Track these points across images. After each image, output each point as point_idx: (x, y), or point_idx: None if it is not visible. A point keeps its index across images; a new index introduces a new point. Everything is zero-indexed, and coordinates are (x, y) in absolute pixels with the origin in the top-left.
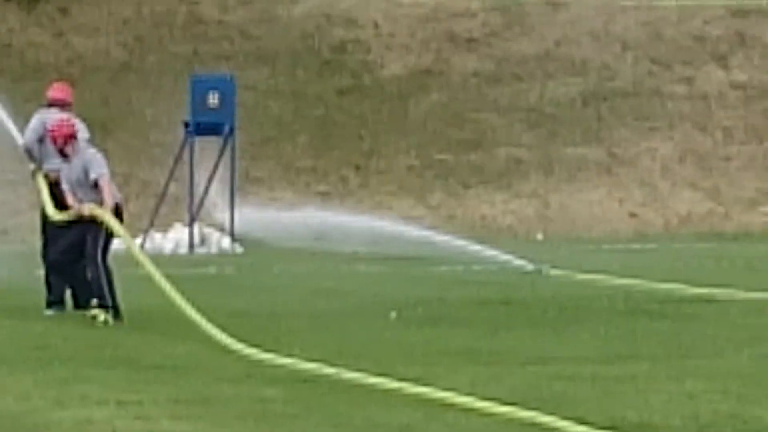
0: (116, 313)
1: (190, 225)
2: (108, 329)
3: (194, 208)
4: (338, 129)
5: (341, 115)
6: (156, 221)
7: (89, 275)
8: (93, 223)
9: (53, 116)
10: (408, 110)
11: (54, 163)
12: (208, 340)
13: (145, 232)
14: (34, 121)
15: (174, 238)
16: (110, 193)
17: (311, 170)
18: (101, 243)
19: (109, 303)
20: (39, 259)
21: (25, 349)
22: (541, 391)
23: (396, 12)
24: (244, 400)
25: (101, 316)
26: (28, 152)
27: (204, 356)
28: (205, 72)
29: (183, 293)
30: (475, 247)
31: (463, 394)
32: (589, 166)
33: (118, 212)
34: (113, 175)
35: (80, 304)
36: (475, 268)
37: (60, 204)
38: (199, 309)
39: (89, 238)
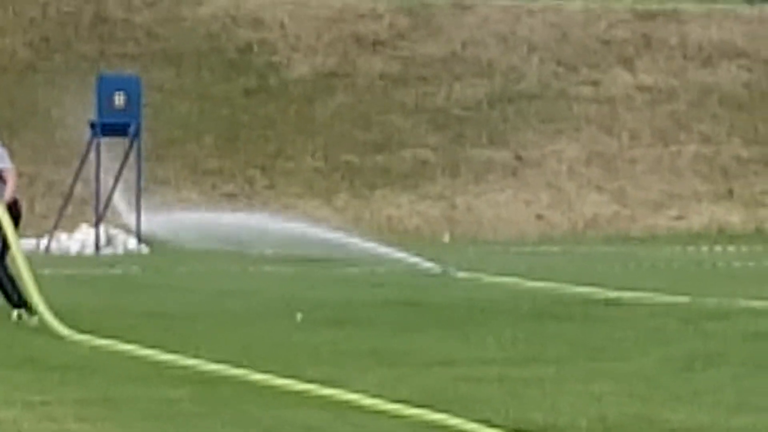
0: (28, 308)
1: (96, 225)
2: (15, 329)
3: (100, 209)
4: (245, 130)
5: (247, 116)
6: (62, 222)
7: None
8: None
9: None
10: (314, 111)
11: None
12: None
13: (51, 232)
14: None
15: (80, 239)
16: (13, 188)
17: (217, 171)
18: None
19: (19, 301)
20: None
21: None
22: (448, 393)
23: (302, 13)
24: (151, 400)
25: (14, 314)
26: None
27: (110, 357)
28: (111, 72)
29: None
30: (383, 249)
31: (371, 396)
32: (495, 168)
33: (14, 207)
34: (20, 174)
35: None
36: (382, 270)
37: None
38: (106, 309)
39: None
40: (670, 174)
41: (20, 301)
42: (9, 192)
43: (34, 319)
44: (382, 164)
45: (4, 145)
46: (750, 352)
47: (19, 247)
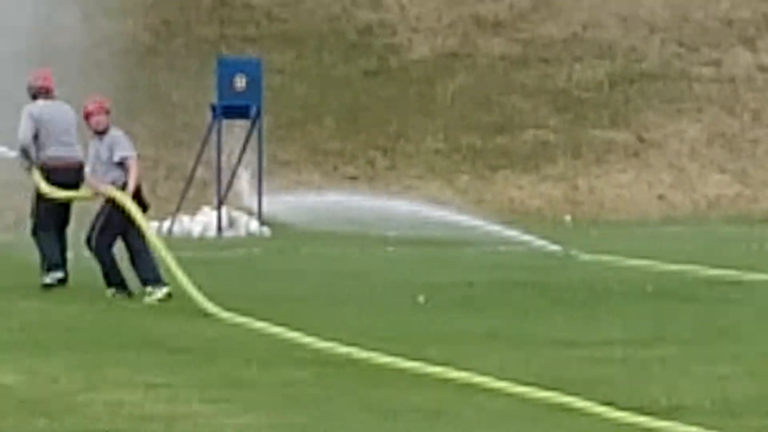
0: (125, 288)
1: (218, 208)
2: (138, 311)
3: (222, 192)
4: (365, 112)
5: (368, 98)
6: (184, 205)
7: (100, 261)
8: (108, 204)
9: (44, 107)
10: (435, 93)
11: (51, 151)
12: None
13: (173, 215)
14: (25, 119)
15: (202, 222)
16: (136, 176)
17: (338, 153)
18: (99, 228)
19: (124, 280)
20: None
21: (56, 331)
22: (571, 374)
23: None
24: (274, 382)
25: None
26: (24, 151)
27: (233, 339)
28: (231, 55)
29: (211, 276)
30: (505, 231)
31: (493, 377)
32: (617, 149)
33: (140, 194)
34: (141, 158)
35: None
36: (504, 251)
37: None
38: (227, 291)
39: (97, 225)
40: None
41: (121, 280)
42: (132, 181)
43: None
44: (504, 145)
45: (127, 132)
46: None
47: (149, 228)
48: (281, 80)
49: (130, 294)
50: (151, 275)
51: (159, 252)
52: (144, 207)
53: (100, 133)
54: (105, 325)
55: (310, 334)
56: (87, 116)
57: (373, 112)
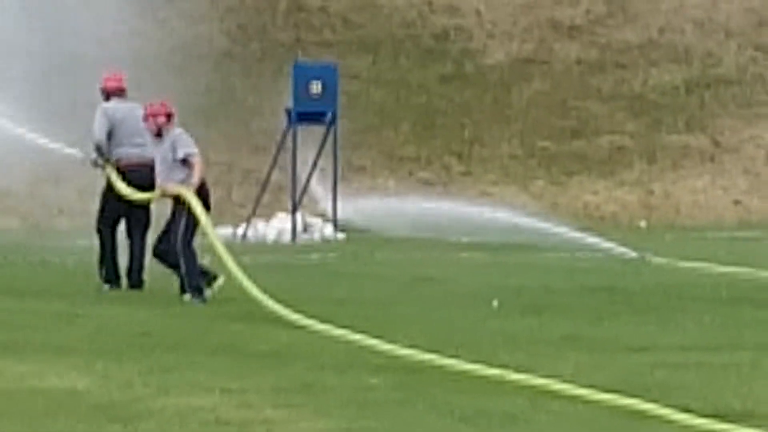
0: (200, 294)
1: (293, 213)
2: (212, 316)
3: (297, 196)
4: (441, 117)
5: (443, 103)
6: (259, 209)
7: (182, 264)
8: (179, 203)
9: (118, 106)
10: (511, 98)
11: (124, 149)
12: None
13: (248, 220)
14: (99, 118)
15: (277, 226)
16: (199, 173)
17: (414, 158)
18: (182, 227)
19: (191, 287)
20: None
21: (129, 336)
22: (645, 379)
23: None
24: (348, 387)
25: (186, 297)
26: (99, 149)
27: (307, 344)
28: (307, 60)
29: (286, 281)
30: (578, 235)
31: (567, 382)
32: (692, 153)
33: (203, 191)
34: (215, 163)
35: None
36: (579, 255)
37: (134, 187)
38: (303, 296)
39: (179, 228)
40: None
41: (197, 283)
42: (196, 177)
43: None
44: (579, 150)
45: (188, 130)
46: None
47: (212, 228)
48: (357, 85)
49: (205, 301)
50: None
51: (220, 253)
52: (207, 206)
53: (159, 135)
54: (178, 330)
55: (384, 340)
56: (146, 118)
57: (448, 117)
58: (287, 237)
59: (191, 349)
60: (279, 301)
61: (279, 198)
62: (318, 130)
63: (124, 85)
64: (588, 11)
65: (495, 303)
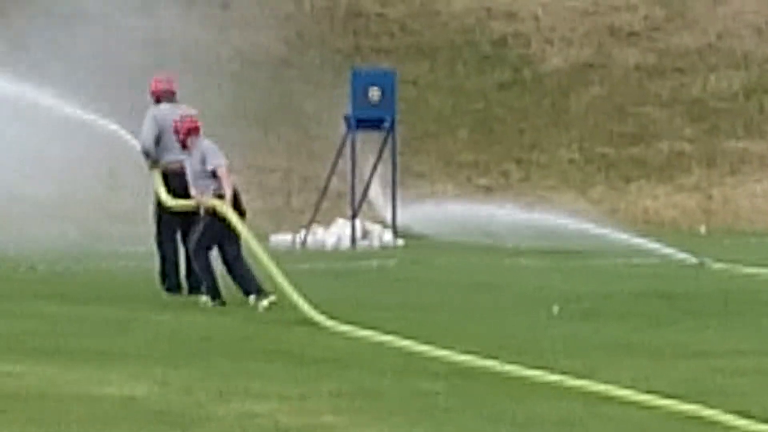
0: (215, 298)
1: (352, 219)
2: (268, 322)
3: (356, 203)
4: (499, 123)
5: (502, 109)
6: (318, 216)
7: (195, 266)
8: (209, 214)
9: (168, 111)
10: (569, 104)
11: (172, 155)
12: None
13: (307, 226)
14: (148, 122)
15: (336, 233)
16: (229, 184)
17: (472, 164)
18: (199, 234)
19: (208, 291)
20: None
21: (188, 342)
22: (704, 385)
23: (556, 6)
24: (405, 393)
25: (203, 299)
26: (146, 153)
27: (364, 350)
28: (365, 66)
29: (345, 287)
30: (637, 240)
31: (624, 387)
32: (751, 158)
33: (236, 201)
34: (274, 170)
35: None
36: (637, 261)
37: (177, 193)
38: (362, 302)
39: (196, 231)
40: None
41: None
42: (228, 189)
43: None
44: (638, 156)
45: (247, 137)
46: None
47: (252, 237)
48: (415, 92)
49: (224, 303)
50: (252, 286)
51: (261, 260)
52: (241, 213)
53: (189, 146)
54: (237, 336)
55: (443, 346)
56: (175, 131)
57: (507, 123)
58: (346, 243)
59: (250, 355)
60: (336, 307)
61: (338, 204)
62: (377, 136)
63: (174, 87)
64: (646, 17)
65: (555, 309)
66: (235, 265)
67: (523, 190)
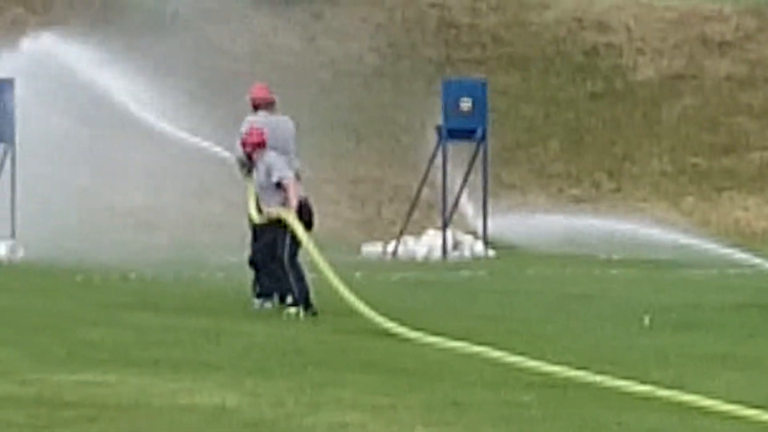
0: (307, 307)
1: (444, 230)
2: (359, 333)
3: (447, 213)
4: (590, 134)
5: (593, 120)
6: (409, 226)
7: (291, 277)
8: (280, 225)
9: (264, 120)
10: (661, 114)
11: None
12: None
13: (399, 237)
14: (245, 129)
15: (427, 243)
16: (295, 194)
17: (564, 175)
18: (287, 244)
19: (300, 300)
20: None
21: (279, 353)
22: None
23: (648, 16)
24: (497, 404)
25: (292, 310)
26: (240, 162)
27: (456, 361)
28: (457, 76)
29: (436, 298)
30: (728, 251)
31: (715, 398)
32: None
33: (303, 211)
34: (364, 180)
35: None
36: (730, 272)
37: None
38: (453, 312)
39: (278, 241)
40: None
41: (305, 299)
42: (293, 200)
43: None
44: (730, 167)
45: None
46: None
47: (315, 249)
48: (507, 102)
49: (315, 313)
50: (294, 296)
51: (324, 271)
52: (310, 224)
53: (255, 159)
54: (328, 346)
55: (534, 357)
56: (243, 144)
57: (598, 134)
58: (437, 254)
59: (341, 366)
60: (427, 317)
61: (429, 215)
62: (468, 146)
63: (272, 96)
64: (737, 27)
65: (646, 320)
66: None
67: (614, 201)
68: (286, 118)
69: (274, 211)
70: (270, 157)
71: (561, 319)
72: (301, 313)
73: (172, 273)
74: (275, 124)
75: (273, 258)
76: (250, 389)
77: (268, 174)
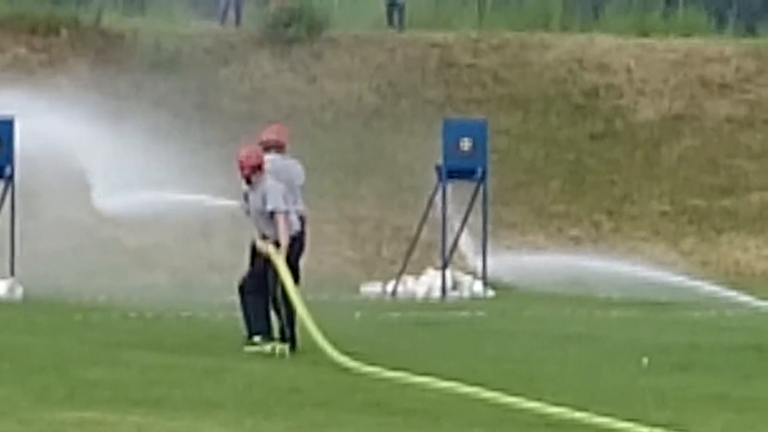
0: (293, 346)
1: (443, 269)
2: (360, 373)
3: (446, 253)
4: (591, 174)
5: (593, 160)
6: (408, 266)
7: (283, 312)
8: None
9: (272, 161)
10: (660, 155)
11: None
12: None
13: (398, 276)
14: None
15: (426, 282)
16: (284, 229)
17: (563, 215)
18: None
19: (287, 335)
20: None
21: (278, 392)
22: None
23: (649, 57)
24: None
25: (276, 347)
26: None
27: (455, 401)
28: (457, 116)
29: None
30: (728, 293)
31: None
32: None
33: (295, 244)
34: (365, 219)
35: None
36: (728, 313)
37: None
38: (450, 352)
39: (269, 273)
40: None
41: (291, 335)
42: (282, 237)
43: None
44: (729, 208)
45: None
46: None
47: (297, 295)
48: (507, 142)
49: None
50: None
51: (301, 315)
52: (293, 268)
53: (252, 182)
54: (327, 386)
55: (532, 398)
56: (241, 167)
57: (598, 174)
58: (436, 294)
59: (340, 406)
60: (425, 358)
61: (428, 254)
62: (467, 186)
63: (284, 139)
64: (738, 69)
65: (645, 361)
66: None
67: (614, 242)
68: (295, 162)
69: (265, 248)
70: (267, 184)
71: (560, 360)
72: (287, 352)
73: (173, 312)
74: (283, 167)
75: (255, 289)
76: (249, 428)
77: (264, 201)
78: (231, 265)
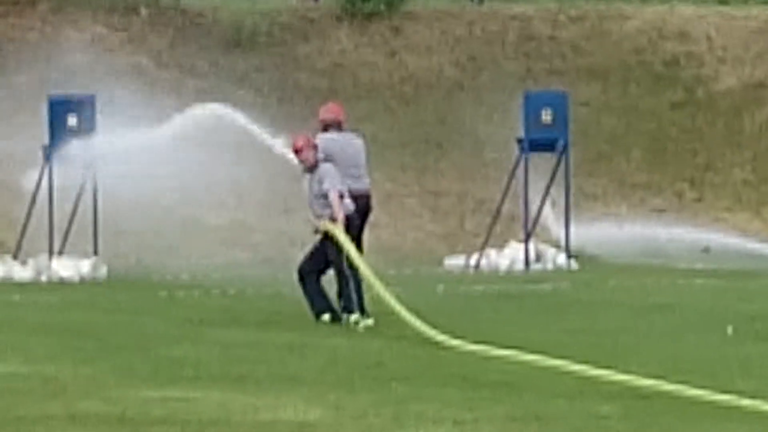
0: (362, 315)
1: (526, 242)
2: (444, 347)
3: (529, 225)
4: (672, 143)
5: (675, 130)
6: (491, 239)
7: (352, 287)
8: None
9: (332, 138)
10: (743, 123)
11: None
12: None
13: (481, 249)
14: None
15: (509, 255)
16: (339, 207)
17: (645, 185)
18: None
19: (355, 308)
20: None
21: (361, 366)
22: None
23: (729, 25)
24: (579, 416)
25: (351, 318)
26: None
27: (538, 373)
28: (537, 89)
29: (518, 310)
30: None
31: None
32: None
33: (351, 225)
34: (447, 193)
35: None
36: None
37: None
38: (535, 324)
39: (329, 250)
40: None
41: (360, 307)
42: (338, 213)
43: (368, 322)
44: None
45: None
46: None
47: (363, 262)
48: (588, 113)
49: (339, 319)
50: (351, 304)
51: (372, 284)
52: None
53: (311, 168)
54: (410, 360)
55: (618, 369)
56: (296, 152)
57: (680, 143)
58: (520, 266)
59: (424, 380)
60: (509, 330)
61: (511, 227)
62: (549, 158)
63: (341, 117)
64: None
65: (729, 329)
66: (348, 286)
67: (696, 211)
68: (356, 137)
69: (322, 225)
70: (324, 167)
71: (643, 330)
72: (361, 322)
73: (255, 288)
74: (345, 143)
75: (313, 269)
76: (333, 403)
77: (320, 183)
78: (312, 240)
